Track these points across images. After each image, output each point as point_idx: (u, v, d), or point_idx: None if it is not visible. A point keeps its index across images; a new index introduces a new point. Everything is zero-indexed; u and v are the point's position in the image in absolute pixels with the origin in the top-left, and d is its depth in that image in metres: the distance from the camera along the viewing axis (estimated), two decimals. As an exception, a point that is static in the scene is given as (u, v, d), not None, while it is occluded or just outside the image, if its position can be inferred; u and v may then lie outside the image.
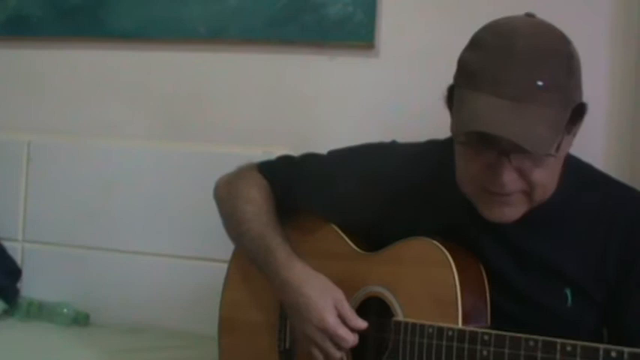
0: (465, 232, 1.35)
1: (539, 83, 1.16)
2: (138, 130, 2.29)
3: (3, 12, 2.39)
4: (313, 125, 2.12)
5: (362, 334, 1.41)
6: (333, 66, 2.11)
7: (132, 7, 2.27)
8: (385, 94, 2.06)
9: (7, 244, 2.29)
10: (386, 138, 1.56)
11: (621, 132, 1.87)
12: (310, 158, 1.59)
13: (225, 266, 1.67)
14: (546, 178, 1.26)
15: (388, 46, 2.07)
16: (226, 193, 1.60)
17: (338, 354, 1.39)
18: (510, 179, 1.22)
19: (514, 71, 1.17)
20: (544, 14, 1.73)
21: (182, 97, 2.27)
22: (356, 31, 2.08)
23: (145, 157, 2.24)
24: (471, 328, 1.25)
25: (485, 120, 1.16)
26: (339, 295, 1.41)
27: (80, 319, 2.19)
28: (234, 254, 1.65)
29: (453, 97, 1.27)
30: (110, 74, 2.33)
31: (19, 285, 2.27)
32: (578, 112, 1.23)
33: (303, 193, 1.55)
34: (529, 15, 1.27)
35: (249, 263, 1.56)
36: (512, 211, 1.27)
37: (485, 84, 1.18)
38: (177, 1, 2.24)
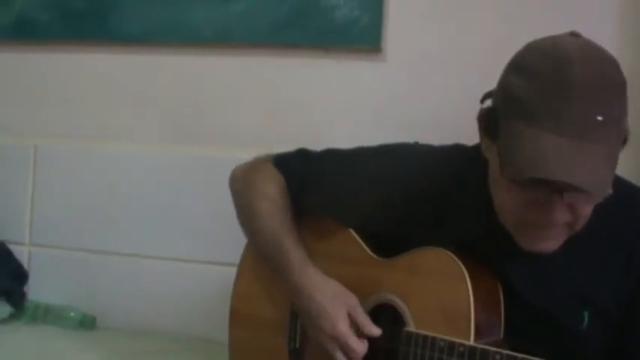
0: (484, 246, 1.31)
1: (599, 118, 1.09)
2: (143, 133, 2.29)
3: (9, 16, 2.38)
4: (319, 130, 2.11)
5: (372, 343, 1.39)
6: (339, 70, 2.11)
7: (137, 12, 2.27)
8: (392, 98, 2.06)
9: (13, 248, 2.29)
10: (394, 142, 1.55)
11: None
12: (328, 156, 1.55)
13: (232, 270, 1.66)
14: (591, 210, 1.20)
15: (395, 50, 2.07)
16: (242, 185, 1.57)
17: None
18: (560, 214, 1.17)
19: (573, 106, 1.09)
20: (549, 19, 1.74)
21: (188, 101, 2.27)
22: (362, 36, 2.07)
23: (151, 160, 2.24)
24: (482, 345, 1.22)
25: (547, 165, 1.08)
26: (352, 300, 1.40)
27: (87, 323, 2.19)
28: (248, 246, 1.62)
29: (494, 123, 1.19)
30: (116, 78, 2.33)
31: (25, 288, 2.27)
32: (625, 139, 1.18)
33: (316, 194, 1.51)
34: (574, 34, 1.17)
35: (262, 258, 1.55)
36: (553, 243, 1.22)
37: (542, 119, 1.10)
38: (183, 6, 2.24)
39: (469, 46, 1.98)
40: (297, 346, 1.53)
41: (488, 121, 1.22)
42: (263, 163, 1.57)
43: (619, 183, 1.31)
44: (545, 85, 1.11)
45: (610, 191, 1.13)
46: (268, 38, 2.17)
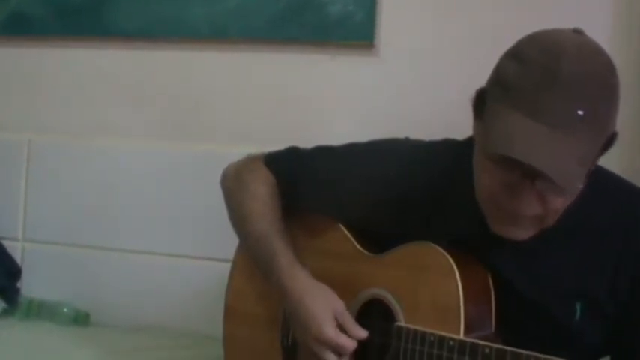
0: (476, 239, 1.32)
1: (580, 113, 1.10)
2: (138, 129, 2.29)
3: (4, 11, 2.39)
4: (314, 125, 2.11)
5: (364, 338, 1.39)
6: (333, 65, 2.11)
7: (133, 7, 2.28)
8: (386, 93, 2.06)
9: (7, 244, 2.29)
10: (386, 137, 1.55)
11: (627, 133, 1.87)
12: (318, 153, 1.55)
13: (227, 266, 1.66)
14: (564, 205, 1.21)
15: (389, 45, 2.07)
16: (233, 185, 1.57)
17: None
18: (529, 203, 1.18)
19: (556, 96, 1.11)
20: (546, 14, 1.74)
21: (183, 97, 2.27)
22: (356, 31, 2.08)
23: (146, 156, 2.24)
24: (472, 339, 1.23)
25: (518, 145, 1.11)
26: (339, 305, 1.40)
27: (80, 319, 2.19)
28: (240, 245, 1.63)
29: (481, 102, 1.22)
30: (111, 74, 2.33)
31: (19, 284, 2.27)
32: (610, 141, 1.18)
33: (307, 192, 1.52)
34: (577, 31, 1.19)
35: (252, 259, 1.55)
36: (522, 232, 1.23)
37: (523, 104, 1.13)
38: (179, 1, 2.24)
39: (463, 42, 1.98)
40: (290, 342, 1.53)
41: (477, 101, 1.24)
42: (254, 163, 1.58)
43: (616, 181, 1.35)
44: (533, 73, 1.13)
45: (580, 186, 1.15)
46: (264, 34, 2.17)
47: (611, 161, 1.76)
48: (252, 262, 1.57)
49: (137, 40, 2.29)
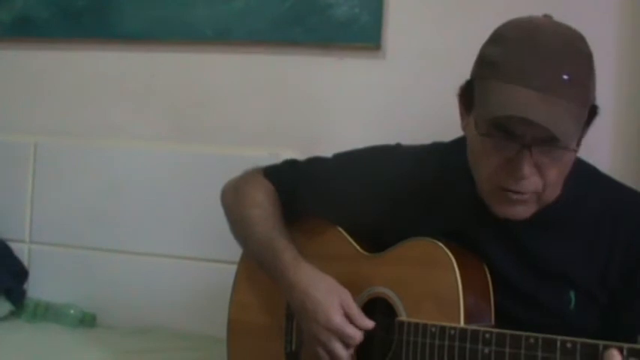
0: (470, 234, 1.36)
1: (565, 77, 1.18)
2: (144, 131, 2.29)
3: (9, 13, 2.39)
4: (320, 127, 2.11)
5: (367, 335, 1.41)
6: (339, 68, 2.11)
7: (138, 9, 2.28)
8: (392, 95, 2.06)
9: (13, 246, 2.30)
10: (392, 140, 1.56)
11: (628, 133, 1.87)
12: (315, 162, 1.61)
13: (231, 268, 1.67)
14: (559, 177, 1.27)
15: (395, 47, 2.07)
16: (233, 198, 1.62)
17: (344, 352, 1.39)
18: (529, 173, 1.22)
19: (540, 63, 1.19)
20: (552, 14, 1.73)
21: (188, 99, 2.27)
22: (362, 33, 2.08)
23: (151, 158, 2.25)
24: (472, 327, 1.26)
25: (514, 106, 1.17)
26: (345, 295, 1.42)
27: (87, 320, 2.19)
28: (243, 256, 1.66)
29: (470, 93, 1.28)
30: (116, 76, 2.33)
31: (25, 286, 2.27)
32: (592, 113, 1.25)
33: (306, 197, 1.57)
34: (547, 16, 1.28)
35: (256, 265, 1.57)
36: (524, 210, 1.29)
37: (511, 75, 1.19)
38: (183, 3, 2.24)
39: (468, 44, 1.96)
40: (294, 348, 1.55)
41: (465, 94, 1.31)
42: (252, 176, 1.63)
43: (605, 178, 1.42)
44: (516, 47, 1.22)
45: (575, 146, 1.24)
46: (268, 36, 2.17)
47: (612, 161, 1.77)
48: (252, 273, 1.61)
49: (141, 42, 2.29)
